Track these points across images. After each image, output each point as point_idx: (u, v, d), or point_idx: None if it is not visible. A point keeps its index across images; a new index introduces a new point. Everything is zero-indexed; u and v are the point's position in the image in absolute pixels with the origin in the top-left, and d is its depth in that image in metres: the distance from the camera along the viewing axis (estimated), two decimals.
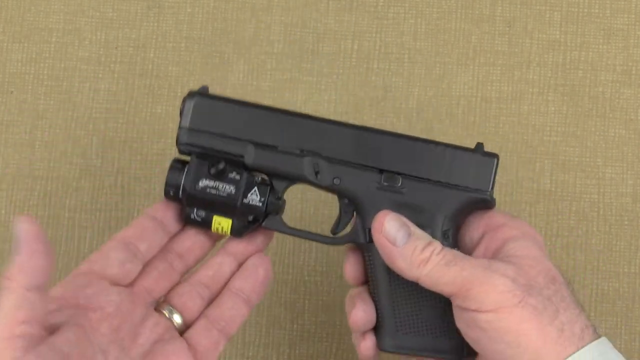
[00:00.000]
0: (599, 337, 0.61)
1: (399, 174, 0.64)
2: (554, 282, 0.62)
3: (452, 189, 0.64)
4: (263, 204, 0.65)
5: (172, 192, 0.65)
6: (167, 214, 0.66)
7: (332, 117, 0.66)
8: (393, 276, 0.64)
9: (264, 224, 0.66)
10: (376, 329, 0.66)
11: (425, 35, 0.83)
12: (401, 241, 0.62)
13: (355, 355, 0.80)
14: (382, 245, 0.63)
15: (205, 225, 0.65)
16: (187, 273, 0.66)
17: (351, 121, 0.66)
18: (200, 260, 0.67)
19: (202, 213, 0.65)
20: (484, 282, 0.60)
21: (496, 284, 0.60)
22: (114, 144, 0.82)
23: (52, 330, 0.57)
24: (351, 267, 0.67)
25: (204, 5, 0.84)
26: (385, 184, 0.64)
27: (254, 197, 0.64)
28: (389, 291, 0.65)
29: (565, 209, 0.81)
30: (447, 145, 0.65)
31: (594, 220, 0.81)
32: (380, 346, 0.65)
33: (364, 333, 0.66)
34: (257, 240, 0.67)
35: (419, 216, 0.64)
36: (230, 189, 0.64)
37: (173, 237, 0.67)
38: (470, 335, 0.62)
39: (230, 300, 0.66)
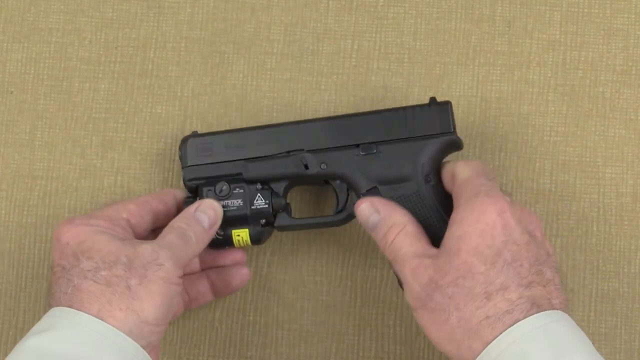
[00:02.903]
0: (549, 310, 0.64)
1: (372, 142, 0.74)
2: (489, 262, 0.64)
3: (420, 139, 0.73)
4: (269, 205, 0.74)
5: None
6: None
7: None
8: None
9: (275, 223, 0.75)
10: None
11: (425, 35, 0.83)
12: (372, 227, 0.71)
13: (355, 355, 0.80)
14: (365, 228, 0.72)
15: (227, 241, 0.74)
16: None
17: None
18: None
19: (221, 231, 0.74)
20: (405, 283, 0.68)
21: (412, 285, 0.67)
22: (114, 143, 0.82)
23: None
24: None
25: (204, 5, 0.84)
26: (363, 153, 0.74)
27: (259, 202, 0.74)
28: None
29: (565, 209, 0.81)
30: (405, 107, 0.74)
31: (593, 220, 0.81)
32: None
33: None
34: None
35: (401, 170, 0.73)
36: (238, 202, 0.74)
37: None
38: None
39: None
